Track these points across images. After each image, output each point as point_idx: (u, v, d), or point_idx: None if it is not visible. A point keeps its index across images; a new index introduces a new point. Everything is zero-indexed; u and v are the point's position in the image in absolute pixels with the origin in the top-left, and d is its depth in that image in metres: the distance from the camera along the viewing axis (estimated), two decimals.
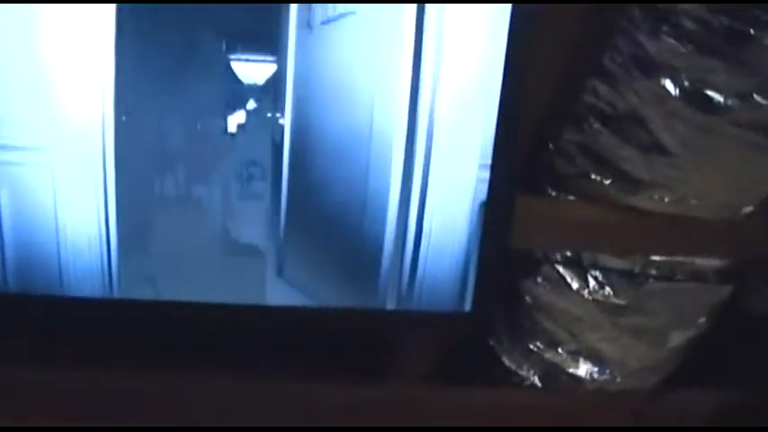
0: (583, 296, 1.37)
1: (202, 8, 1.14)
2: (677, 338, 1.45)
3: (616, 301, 1.37)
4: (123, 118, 1.16)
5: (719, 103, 1.16)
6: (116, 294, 1.24)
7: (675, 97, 1.17)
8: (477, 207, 1.22)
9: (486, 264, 1.24)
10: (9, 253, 1.20)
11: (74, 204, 1.19)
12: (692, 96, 1.16)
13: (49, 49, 1.13)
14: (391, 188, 1.19)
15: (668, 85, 1.17)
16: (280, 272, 1.27)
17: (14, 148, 1.16)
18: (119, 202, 1.19)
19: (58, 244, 1.20)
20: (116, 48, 1.14)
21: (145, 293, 1.24)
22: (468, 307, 1.27)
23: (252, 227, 1.24)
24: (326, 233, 1.25)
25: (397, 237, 1.22)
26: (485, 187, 1.21)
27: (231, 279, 1.25)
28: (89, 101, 1.15)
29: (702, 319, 1.44)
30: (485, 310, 1.29)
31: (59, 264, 1.21)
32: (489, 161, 1.19)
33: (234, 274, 1.25)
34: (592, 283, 1.36)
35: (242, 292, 1.26)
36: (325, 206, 1.24)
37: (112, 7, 1.12)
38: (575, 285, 1.37)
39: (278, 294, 1.27)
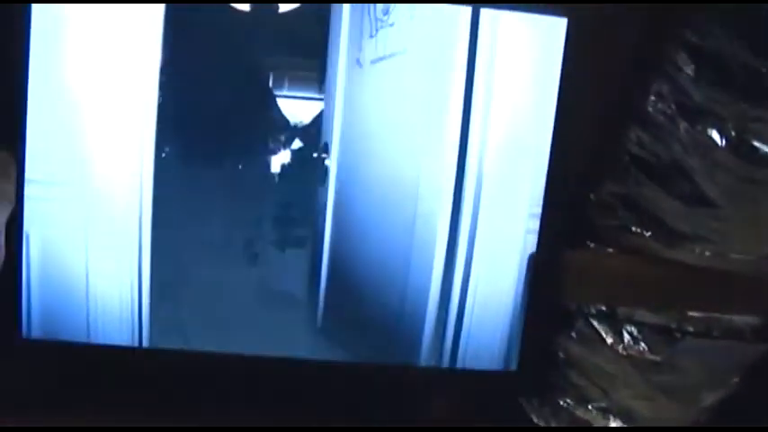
0: (617, 351, 1.33)
1: (250, 41, 1.11)
2: (709, 398, 1.40)
3: (650, 357, 1.33)
4: (163, 154, 1.11)
5: (766, 153, 1.14)
6: (145, 344, 1.17)
7: (721, 147, 1.14)
8: (525, 260, 1.17)
9: (533, 320, 1.20)
10: (35, 297, 1.13)
11: (106, 247, 1.13)
12: (738, 146, 1.14)
13: (90, 83, 1.09)
14: (438, 239, 1.15)
15: (714, 134, 1.14)
16: (318, 324, 1.21)
17: (48, 183, 1.10)
18: (154, 245, 1.13)
19: (87, 288, 1.14)
20: (160, 83, 1.09)
21: (176, 343, 1.18)
22: (514, 365, 1.21)
23: (291, 275, 1.18)
24: (369, 285, 1.20)
25: (442, 291, 1.17)
26: (533, 238, 1.16)
27: (267, 330, 1.18)
28: (129, 136, 1.11)
29: (736, 379, 1.40)
30: (532, 369, 1.24)
31: (87, 309, 1.15)
32: (538, 209, 1.15)
33: (270, 326, 1.18)
34: (627, 338, 1.32)
35: (277, 344, 1.20)
36: (368, 256, 1.18)
37: (159, 39, 1.07)
38: (609, 340, 1.32)
39: (315, 348, 1.21)
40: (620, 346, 1.32)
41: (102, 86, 1.10)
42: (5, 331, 1.16)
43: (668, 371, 1.34)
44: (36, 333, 1.16)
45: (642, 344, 1.32)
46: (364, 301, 1.21)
